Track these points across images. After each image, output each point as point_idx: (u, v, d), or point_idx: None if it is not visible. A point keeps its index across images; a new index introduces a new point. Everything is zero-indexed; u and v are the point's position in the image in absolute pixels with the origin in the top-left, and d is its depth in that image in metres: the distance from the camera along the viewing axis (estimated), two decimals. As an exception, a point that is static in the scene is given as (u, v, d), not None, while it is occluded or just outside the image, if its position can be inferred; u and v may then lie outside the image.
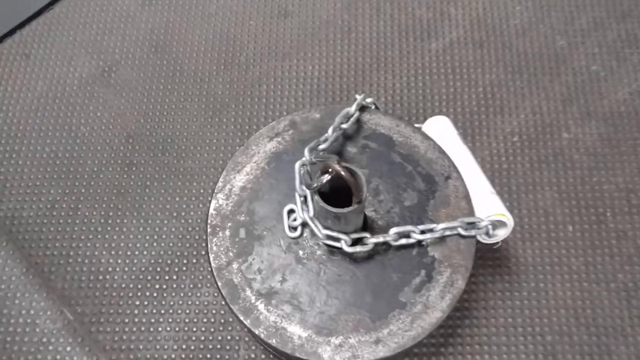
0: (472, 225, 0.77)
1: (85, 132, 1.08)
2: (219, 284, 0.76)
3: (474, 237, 0.77)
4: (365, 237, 0.74)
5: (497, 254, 0.95)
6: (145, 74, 1.12)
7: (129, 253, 0.98)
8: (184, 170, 1.04)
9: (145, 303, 0.94)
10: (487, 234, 0.79)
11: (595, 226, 0.96)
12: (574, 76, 1.07)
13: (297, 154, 0.80)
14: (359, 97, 0.83)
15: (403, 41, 1.12)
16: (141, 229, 1.00)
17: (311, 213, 0.73)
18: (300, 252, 0.77)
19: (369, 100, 0.86)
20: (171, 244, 0.98)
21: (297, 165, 0.72)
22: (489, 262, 0.95)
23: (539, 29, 1.12)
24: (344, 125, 0.81)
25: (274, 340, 0.73)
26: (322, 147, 0.78)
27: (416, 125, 0.86)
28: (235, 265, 0.77)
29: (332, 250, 0.77)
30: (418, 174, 0.81)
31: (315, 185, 0.67)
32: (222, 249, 0.78)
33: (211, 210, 0.80)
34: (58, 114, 1.09)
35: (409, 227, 0.75)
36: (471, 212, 0.79)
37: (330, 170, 0.66)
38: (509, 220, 0.80)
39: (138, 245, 0.99)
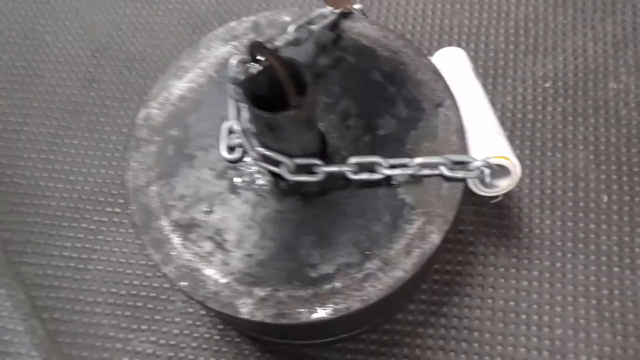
0: (461, 165, 0.59)
1: (49, 42, 0.95)
2: (132, 207, 0.60)
3: (462, 180, 0.59)
4: (316, 164, 0.57)
5: (506, 221, 0.76)
6: (125, -18, 0.98)
7: (71, 178, 0.85)
8: (142, 90, 0.89)
9: (80, 236, 0.81)
10: (482, 181, 0.60)
11: (637, 199, 0.75)
12: (633, 15, 0.86)
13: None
14: (339, -3, 0.66)
15: (424, -37, 0.93)
16: (90, 152, 0.86)
17: (244, 123, 0.56)
18: (237, 180, 0.61)
19: (356, 6, 0.69)
20: (120, 172, 0.84)
21: (232, 60, 0.55)
22: (494, 229, 0.75)
23: (595, -44, 0.90)
24: (313, 27, 0.64)
25: (184, 283, 0.57)
26: (276, 44, 0.61)
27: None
28: (154, 188, 0.61)
29: (277, 181, 0.60)
30: (402, 97, 0.63)
31: (240, 78, 0.50)
32: (143, 166, 0.62)
33: (138, 119, 0.65)
34: (24, 19, 0.97)
35: (374, 158, 0.58)
36: (463, 150, 0.60)
37: (259, 57, 0.50)
38: (515, 166, 0.61)
39: (84, 170, 0.85)
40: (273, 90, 0.52)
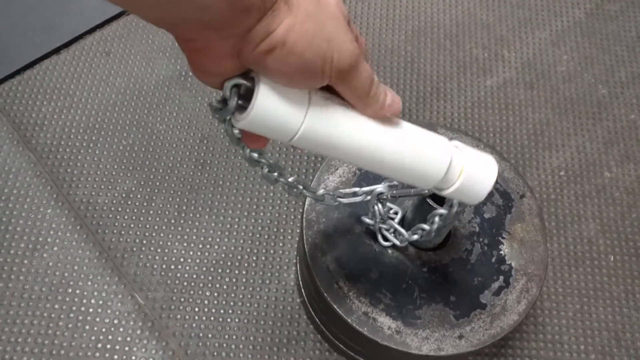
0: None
1: (162, 130, 1.13)
2: (314, 271, 0.81)
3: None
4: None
5: (546, 277, 1.03)
6: (220, 81, 1.19)
7: (200, 246, 1.03)
8: (255, 173, 1.09)
9: (216, 294, 0.99)
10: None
11: (634, 258, 1.05)
12: (614, 122, 1.18)
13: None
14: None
15: (461, 75, 1.22)
16: (213, 224, 1.05)
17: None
18: (390, 251, 0.84)
19: (448, 121, 0.95)
20: (242, 241, 1.03)
21: (373, 196, 0.79)
22: (539, 282, 1.02)
23: (583, 77, 1.23)
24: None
25: (365, 329, 0.78)
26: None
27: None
28: (328, 257, 0.83)
29: (418, 255, 0.84)
30: (496, 190, 0.89)
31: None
32: (317, 241, 0.84)
33: (306, 206, 0.86)
34: (135, 110, 1.15)
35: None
36: (543, 229, 0.87)
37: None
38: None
39: (210, 239, 1.03)
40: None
